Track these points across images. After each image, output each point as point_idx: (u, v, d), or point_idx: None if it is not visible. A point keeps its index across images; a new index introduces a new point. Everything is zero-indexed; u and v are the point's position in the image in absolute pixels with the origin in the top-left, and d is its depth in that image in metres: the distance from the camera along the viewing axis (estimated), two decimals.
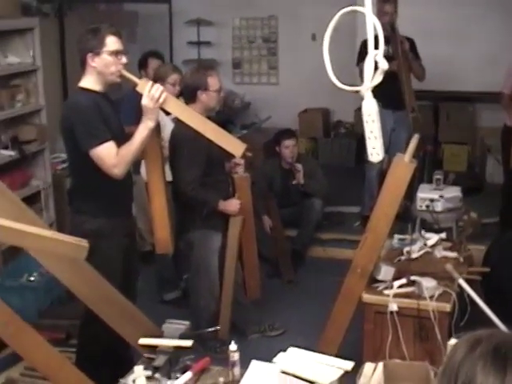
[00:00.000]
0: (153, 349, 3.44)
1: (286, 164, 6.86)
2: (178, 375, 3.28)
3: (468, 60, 8.93)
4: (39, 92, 6.55)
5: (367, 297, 4.23)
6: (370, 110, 3.38)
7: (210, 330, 4.52)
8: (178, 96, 5.19)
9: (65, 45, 7.87)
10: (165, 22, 10.14)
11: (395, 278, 4.27)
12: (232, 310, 5.16)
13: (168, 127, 5.16)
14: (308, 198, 6.79)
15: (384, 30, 3.27)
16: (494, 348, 1.60)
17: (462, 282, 4.11)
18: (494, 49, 8.75)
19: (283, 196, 6.89)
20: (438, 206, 5.38)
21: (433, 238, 4.88)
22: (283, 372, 2.98)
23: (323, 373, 2.98)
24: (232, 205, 4.97)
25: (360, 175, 7.57)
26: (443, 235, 4.96)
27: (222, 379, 3.23)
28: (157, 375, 3.28)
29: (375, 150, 3.44)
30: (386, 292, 4.19)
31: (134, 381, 3.24)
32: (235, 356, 3.26)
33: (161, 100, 3.91)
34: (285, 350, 3.19)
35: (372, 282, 4.29)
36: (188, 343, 3.41)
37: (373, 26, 3.17)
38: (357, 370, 3.23)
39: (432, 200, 5.39)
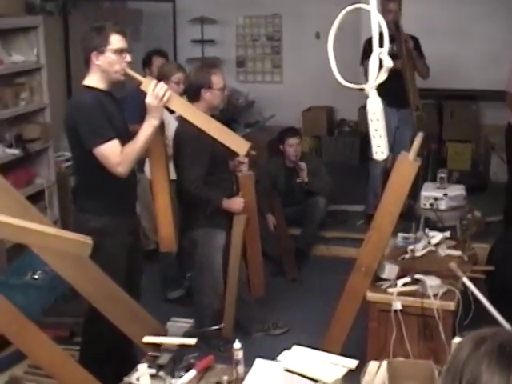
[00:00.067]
0: (157, 347, 3.44)
1: (290, 162, 6.86)
2: (182, 373, 3.28)
3: (472, 58, 8.92)
4: (43, 90, 6.55)
5: (371, 295, 4.23)
6: (375, 108, 3.38)
7: (214, 328, 4.53)
8: (181, 94, 5.19)
9: (69, 43, 7.87)
10: (169, 21, 10.14)
11: (399, 277, 4.27)
12: (236, 308, 5.16)
13: (172, 125, 5.16)
14: (312, 196, 6.78)
15: (388, 28, 3.26)
16: (499, 346, 1.60)
17: (466, 280, 4.10)
18: (498, 47, 8.74)
19: (287, 194, 6.88)
20: (442, 205, 5.37)
21: (437, 236, 4.88)
22: (287, 370, 2.99)
23: (327, 371, 2.98)
24: (236, 203, 4.97)
25: (364, 173, 7.56)
26: (447, 234, 4.95)
27: (225, 377, 3.23)
28: (161, 373, 3.28)
29: (380, 149, 3.43)
30: (390, 290, 4.19)
31: (138, 379, 3.24)
32: (239, 354, 3.26)
33: (165, 98, 3.91)
34: (289, 349, 3.19)
35: (376, 280, 4.29)
36: (192, 341, 3.41)
37: (378, 23, 3.16)
38: (361, 368, 3.23)
39: (436, 198, 5.38)
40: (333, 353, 3.25)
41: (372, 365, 3.34)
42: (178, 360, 3.36)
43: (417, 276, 4.22)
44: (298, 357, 3.10)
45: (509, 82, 6.50)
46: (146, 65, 6.42)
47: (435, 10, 8.90)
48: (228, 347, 4.07)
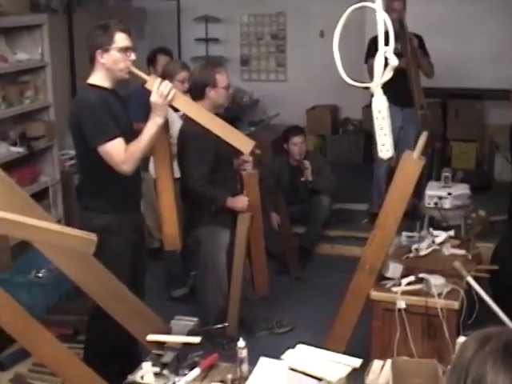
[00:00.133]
0: (161, 345, 3.45)
1: (294, 161, 6.86)
2: (186, 372, 3.28)
3: (477, 57, 8.90)
4: (48, 88, 6.56)
5: (375, 294, 4.23)
6: (380, 106, 3.38)
7: (218, 326, 4.54)
8: (186, 93, 5.19)
9: (73, 41, 7.89)
10: (173, 19, 10.14)
11: (403, 276, 4.26)
12: (240, 306, 5.16)
13: (176, 124, 5.16)
14: (316, 195, 6.78)
15: (393, 26, 3.26)
16: (504, 346, 1.60)
17: (470, 279, 4.10)
18: (503, 46, 8.74)
19: (291, 193, 6.88)
20: (447, 204, 5.37)
21: (441, 235, 4.88)
22: (291, 369, 2.99)
23: (331, 370, 2.98)
24: (240, 201, 4.97)
25: (368, 172, 7.56)
26: (451, 233, 4.95)
27: (230, 376, 3.23)
28: (165, 371, 3.28)
29: (385, 147, 3.43)
30: (394, 289, 4.19)
31: (142, 377, 3.25)
32: (243, 353, 3.26)
33: (169, 97, 3.91)
34: (293, 347, 3.19)
35: (380, 279, 4.29)
36: (196, 340, 3.41)
37: (383, 22, 3.16)
38: (365, 367, 3.23)
39: (440, 197, 5.38)
40: (337, 351, 3.26)
41: (376, 364, 3.34)
42: (182, 358, 3.37)
43: (421, 275, 4.22)
44: (302, 355, 3.10)
45: None
46: (150, 63, 6.41)
47: (440, 9, 8.88)
48: (232, 346, 4.07)
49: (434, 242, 4.80)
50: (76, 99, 4.26)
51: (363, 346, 4.25)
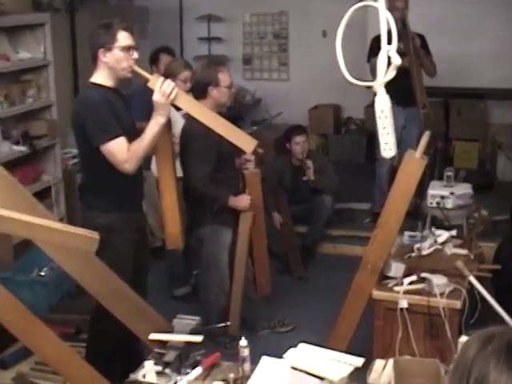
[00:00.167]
0: (163, 344, 3.45)
1: (297, 160, 6.85)
2: (189, 370, 3.29)
3: (479, 56, 8.89)
4: (50, 87, 6.57)
5: (377, 293, 4.23)
6: (383, 105, 3.38)
7: (220, 325, 4.53)
8: (188, 92, 5.19)
9: (76, 40, 7.89)
10: (175, 18, 10.14)
11: (405, 275, 4.27)
12: (242, 305, 5.16)
13: (179, 123, 5.16)
14: (318, 194, 6.78)
15: (395, 26, 3.26)
16: (507, 345, 1.59)
17: (472, 279, 4.10)
18: (506, 45, 8.73)
19: (293, 192, 6.88)
20: (449, 203, 5.37)
21: (443, 235, 4.87)
22: (293, 368, 2.99)
23: (334, 369, 2.98)
24: (242, 201, 4.97)
25: (370, 172, 7.55)
26: (454, 232, 4.95)
27: (232, 375, 3.23)
28: (167, 370, 3.29)
29: (388, 146, 3.44)
30: (397, 289, 4.19)
31: (144, 376, 3.25)
32: (245, 352, 3.27)
33: (172, 96, 3.91)
34: (295, 346, 3.19)
35: (382, 278, 4.29)
36: (198, 339, 3.42)
37: (386, 20, 3.16)
38: (367, 366, 3.23)
39: (442, 197, 5.38)
40: (339, 351, 3.25)
41: (378, 363, 3.35)
42: (185, 357, 3.37)
43: (423, 274, 4.22)
44: (305, 354, 3.10)
45: None
46: (153, 62, 6.41)
47: (442, 8, 8.88)
48: (234, 345, 4.08)
49: (436, 241, 4.80)
50: (78, 98, 4.26)
51: (365, 345, 4.25)
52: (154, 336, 3.50)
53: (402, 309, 4.11)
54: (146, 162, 5.02)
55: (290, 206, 6.78)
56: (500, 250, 5.17)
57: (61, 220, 6.22)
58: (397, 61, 3.18)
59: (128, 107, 4.18)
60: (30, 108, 6.38)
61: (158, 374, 3.27)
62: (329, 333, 4.44)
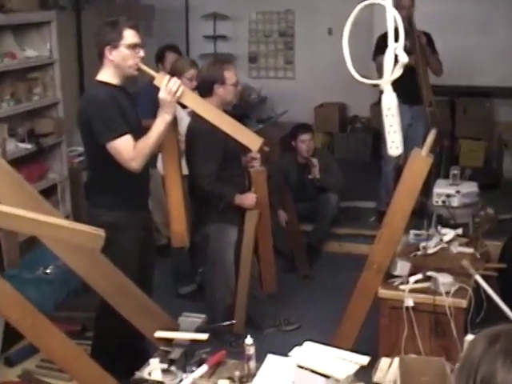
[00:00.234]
0: (169, 342, 3.45)
1: (302, 158, 6.85)
2: (194, 368, 3.29)
3: (485, 55, 8.87)
4: (56, 85, 6.58)
5: (383, 292, 4.23)
6: (390, 103, 3.38)
7: (226, 323, 4.54)
8: (194, 90, 5.19)
9: (82, 38, 7.91)
10: (181, 16, 10.15)
11: (411, 274, 4.26)
12: (248, 303, 5.16)
13: (185, 121, 5.16)
14: (324, 192, 6.77)
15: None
16: None
17: (478, 277, 4.09)
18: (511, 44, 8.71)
19: (299, 190, 6.87)
20: (455, 202, 5.35)
21: (449, 233, 4.87)
22: (299, 366, 2.99)
23: (339, 367, 2.98)
24: (248, 199, 4.97)
25: (376, 170, 7.54)
26: (459, 231, 4.94)
27: (237, 373, 3.23)
28: (172, 368, 3.29)
29: (394, 144, 3.43)
30: (402, 287, 4.19)
31: (149, 373, 3.25)
32: (251, 350, 3.27)
33: (178, 94, 3.91)
34: (300, 345, 3.19)
35: (388, 277, 4.29)
36: (204, 336, 3.42)
37: (393, 18, 3.16)
38: (372, 364, 3.23)
39: (448, 195, 5.36)
40: (344, 349, 3.25)
41: (384, 361, 3.35)
42: (190, 355, 3.37)
43: (429, 273, 4.21)
44: (310, 353, 3.09)
45: None
46: (158, 60, 6.41)
47: (448, 6, 8.86)
48: (239, 343, 4.08)
49: (441, 240, 4.79)
50: (85, 96, 4.26)
51: (371, 343, 4.25)
52: (159, 334, 3.50)
53: (407, 307, 4.11)
54: (151, 160, 5.02)
55: (296, 204, 6.77)
56: (506, 249, 5.16)
57: (66, 218, 6.21)
58: (404, 59, 3.18)
59: (134, 105, 4.18)
60: (36, 106, 6.39)
61: (164, 371, 3.27)
62: (334, 331, 4.44)
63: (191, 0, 10.12)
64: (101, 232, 3.02)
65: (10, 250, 5.62)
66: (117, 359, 4.02)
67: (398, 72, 3.23)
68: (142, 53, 3.97)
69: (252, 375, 3.23)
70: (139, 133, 3.96)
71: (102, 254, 3.43)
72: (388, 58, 3.22)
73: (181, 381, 3.22)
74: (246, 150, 4.66)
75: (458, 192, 5.37)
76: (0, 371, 4.39)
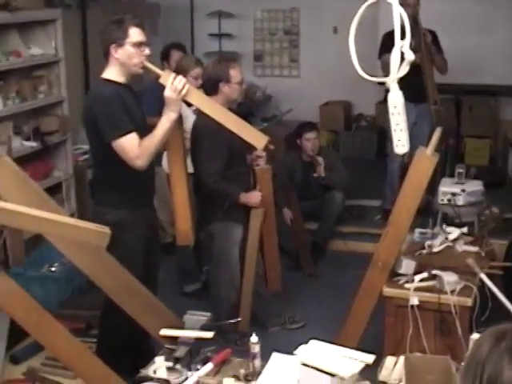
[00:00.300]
0: (174, 340, 3.45)
1: (307, 157, 6.85)
2: (199, 366, 3.29)
3: (491, 53, 8.87)
4: (61, 83, 6.58)
5: (388, 290, 4.22)
6: (396, 101, 3.38)
7: (231, 321, 4.54)
8: (199, 88, 5.18)
9: (87, 36, 7.91)
10: (186, 14, 10.16)
11: (416, 272, 4.25)
12: (253, 301, 5.16)
13: (190, 119, 5.16)
14: (329, 190, 6.77)
15: None
16: None
17: (483, 276, 4.08)
18: None
19: (304, 189, 6.87)
20: (460, 200, 5.35)
21: (454, 232, 4.86)
22: (304, 364, 2.98)
23: (344, 365, 2.97)
24: (253, 197, 4.97)
25: (381, 168, 7.54)
26: (465, 229, 4.93)
27: (242, 371, 3.23)
28: (177, 366, 3.29)
29: (401, 142, 3.43)
30: (407, 286, 4.18)
31: (154, 371, 3.25)
32: (256, 348, 3.26)
33: (183, 92, 3.91)
34: (305, 343, 3.19)
35: (393, 275, 4.28)
36: (209, 335, 3.42)
37: (399, 16, 3.16)
38: (378, 363, 3.22)
39: (454, 194, 5.35)
40: (349, 348, 3.25)
41: (389, 360, 3.34)
42: (195, 353, 3.37)
43: (434, 272, 4.20)
44: (315, 351, 3.09)
45: None
46: (164, 58, 6.42)
47: (453, 4, 8.86)
48: (244, 341, 4.07)
49: (447, 238, 4.78)
50: (90, 93, 4.26)
51: (376, 342, 4.24)
52: (164, 332, 3.50)
53: (412, 306, 4.10)
54: (156, 158, 5.03)
55: (301, 202, 6.77)
56: (511, 247, 5.15)
57: (71, 215, 6.22)
58: (410, 56, 3.17)
59: (139, 103, 4.18)
60: (42, 104, 6.40)
61: (169, 369, 3.27)
62: (339, 329, 4.43)
63: None
64: (106, 230, 3.02)
65: (16, 247, 5.64)
66: (122, 357, 4.03)
67: (405, 70, 3.23)
68: (147, 51, 3.97)
69: (257, 373, 3.22)
70: (144, 131, 3.96)
71: (107, 252, 3.43)
72: (394, 56, 3.22)
73: (186, 379, 3.22)
74: (251, 148, 4.66)
75: (463, 191, 5.36)
76: (5, 369, 4.40)
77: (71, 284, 5.52)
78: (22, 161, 5.54)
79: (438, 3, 8.40)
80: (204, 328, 3.49)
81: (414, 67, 3.47)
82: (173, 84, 3.90)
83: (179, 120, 4.11)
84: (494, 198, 5.94)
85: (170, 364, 3.29)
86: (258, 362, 3.27)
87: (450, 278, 4.11)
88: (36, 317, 3.13)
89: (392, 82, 3.31)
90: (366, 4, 3.23)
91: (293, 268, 6.37)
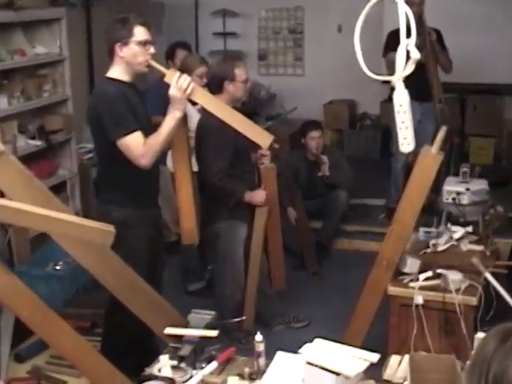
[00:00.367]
0: (178, 338, 3.46)
1: (312, 155, 6.84)
2: (204, 365, 3.29)
3: (496, 52, 8.85)
4: (66, 82, 6.59)
5: (393, 289, 4.22)
6: (402, 99, 3.37)
7: (236, 320, 4.54)
8: (203, 87, 5.18)
9: (92, 35, 7.92)
10: (191, 13, 10.16)
11: (421, 271, 4.25)
12: (257, 300, 5.16)
13: (194, 117, 5.16)
14: (333, 189, 6.77)
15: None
16: None
17: (488, 275, 4.08)
18: None
19: (308, 188, 6.87)
20: (465, 199, 5.34)
21: (459, 231, 4.85)
22: (309, 363, 2.98)
23: (349, 364, 2.97)
24: (258, 195, 4.97)
25: (385, 167, 7.54)
26: (469, 228, 4.92)
27: (247, 369, 3.23)
28: (182, 365, 3.29)
29: (406, 140, 3.43)
30: (412, 285, 4.18)
31: (159, 370, 3.25)
32: (261, 346, 3.27)
33: (188, 90, 3.91)
34: (309, 342, 3.19)
35: (398, 274, 4.28)
36: (214, 333, 3.42)
37: (405, 14, 3.15)
38: (382, 362, 3.22)
39: (458, 193, 5.34)
40: (354, 346, 3.25)
41: (393, 359, 3.34)
42: (200, 352, 3.38)
43: (439, 270, 4.19)
44: (320, 350, 3.09)
45: None
46: (169, 57, 6.42)
47: (458, 3, 8.85)
48: (249, 339, 4.07)
49: (451, 237, 4.78)
50: (95, 92, 4.25)
51: (380, 341, 4.24)
52: (169, 330, 3.51)
53: (417, 305, 4.09)
54: (161, 157, 5.03)
55: (305, 201, 6.77)
56: None
57: (76, 214, 6.22)
58: (416, 55, 3.17)
59: (144, 102, 4.18)
60: (46, 103, 6.41)
61: (174, 368, 3.27)
62: (344, 328, 4.43)
63: None
64: (111, 228, 3.02)
65: (20, 246, 5.65)
66: (126, 356, 4.03)
67: (410, 68, 3.23)
68: (152, 49, 3.97)
69: (261, 372, 3.23)
70: (149, 129, 3.96)
71: (112, 251, 3.43)
72: (400, 55, 3.21)
73: (190, 377, 3.22)
74: (255, 146, 4.66)
75: (467, 189, 5.35)
76: (10, 367, 4.41)
77: (76, 283, 5.52)
78: (27, 159, 5.54)
79: (442, 2, 8.39)
80: (208, 327, 3.49)
81: (419, 66, 3.47)
82: (178, 83, 3.90)
83: (184, 119, 4.11)
84: (498, 197, 5.92)
85: (175, 363, 3.29)
86: (262, 361, 3.27)
87: (454, 277, 4.11)
88: (41, 315, 3.13)
89: (398, 80, 3.31)
90: (372, 2, 3.23)
91: (297, 267, 6.36)
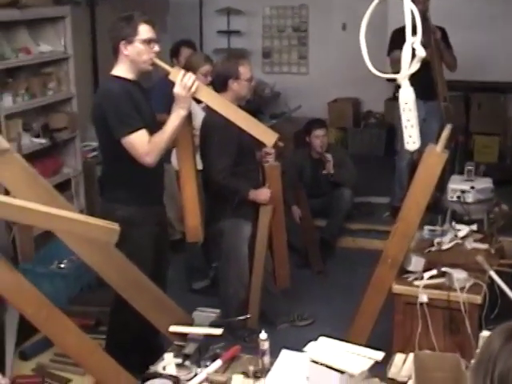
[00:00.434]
0: (183, 336, 3.46)
1: (316, 154, 6.84)
2: (208, 363, 3.30)
3: (500, 50, 8.83)
4: (70, 80, 6.60)
5: (397, 287, 4.22)
6: (408, 98, 3.37)
7: (240, 318, 4.54)
8: (208, 85, 5.18)
9: (96, 33, 7.92)
10: (195, 11, 10.15)
11: (426, 269, 4.25)
12: (261, 299, 5.16)
13: (199, 116, 5.16)
14: (337, 187, 6.77)
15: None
16: None
17: (492, 273, 4.08)
18: None
19: (313, 186, 6.87)
20: (469, 198, 5.34)
21: (464, 229, 4.85)
22: (313, 361, 2.98)
23: (353, 362, 2.97)
24: (262, 194, 4.97)
25: (389, 166, 7.54)
26: (474, 227, 4.92)
27: (251, 367, 3.23)
28: (187, 363, 3.30)
29: (411, 139, 3.43)
30: (417, 283, 4.17)
31: (164, 368, 3.26)
32: (265, 345, 3.26)
33: (193, 89, 3.91)
34: (314, 340, 3.19)
35: (402, 272, 4.28)
36: (218, 331, 3.42)
37: (410, 12, 3.15)
38: (387, 360, 3.22)
39: (463, 191, 5.34)
40: (358, 345, 3.25)
41: (398, 357, 3.34)
42: (204, 350, 3.38)
43: (443, 269, 4.19)
44: (325, 348, 3.09)
45: None
46: (173, 55, 6.42)
47: (463, 1, 8.83)
48: (253, 338, 4.07)
49: (456, 235, 4.78)
50: (99, 90, 4.26)
51: (385, 339, 4.24)
52: (173, 328, 3.51)
53: (421, 303, 4.09)
54: (166, 155, 5.03)
55: (310, 199, 6.77)
56: None
57: (81, 212, 6.22)
58: (421, 53, 3.17)
59: (148, 100, 4.18)
60: (51, 101, 6.42)
61: (178, 366, 3.27)
62: (348, 327, 4.43)
63: None
64: (116, 226, 3.03)
65: (25, 244, 5.65)
66: (131, 353, 4.03)
67: (416, 66, 3.22)
68: (156, 48, 3.97)
69: (266, 370, 3.23)
70: (154, 128, 3.96)
71: (117, 249, 3.43)
72: (406, 53, 3.21)
73: (195, 375, 3.23)
74: (260, 145, 4.65)
75: (472, 188, 5.35)
76: (14, 365, 4.41)
77: (80, 280, 5.52)
78: (32, 157, 5.56)
79: (447, 0, 8.37)
80: (213, 325, 3.49)
81: (424, 64, 3.46)
82: (182, 81, 3.89)
83: (188, 117, 4.11)
84: (503, 195, 5.92)
85: (179, 361, 3.30)
86: (267, 359, 3.27)
87: (459, 276, 4.10)
88: (46, 313, 3.13)
89: (403, 78, 3.31)
90: (377, 0, 3.22)
91: (301, 265, 6.36)
